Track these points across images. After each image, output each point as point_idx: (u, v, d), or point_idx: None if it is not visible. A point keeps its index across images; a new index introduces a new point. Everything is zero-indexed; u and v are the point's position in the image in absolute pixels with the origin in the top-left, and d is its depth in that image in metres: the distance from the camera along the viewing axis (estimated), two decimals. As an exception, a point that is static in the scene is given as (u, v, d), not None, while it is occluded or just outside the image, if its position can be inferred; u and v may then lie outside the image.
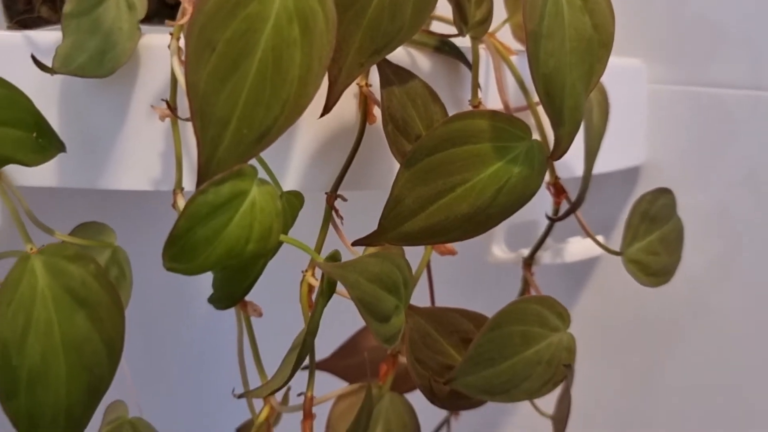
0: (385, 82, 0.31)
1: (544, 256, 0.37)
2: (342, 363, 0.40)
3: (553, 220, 0.35)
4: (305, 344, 0.28)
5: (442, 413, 0.44)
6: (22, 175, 0.32)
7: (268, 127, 0.26)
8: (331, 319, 0.40)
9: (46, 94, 0.31)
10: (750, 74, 0.47)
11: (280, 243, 0.31)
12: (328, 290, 0.29)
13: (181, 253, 0.24)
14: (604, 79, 0.38)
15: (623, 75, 0.46)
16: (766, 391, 0.49)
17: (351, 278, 0.27)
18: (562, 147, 0.30)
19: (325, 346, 0.42)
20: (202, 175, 0.25)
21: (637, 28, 0.49)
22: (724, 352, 0.52)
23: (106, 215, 0.35)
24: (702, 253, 0.51)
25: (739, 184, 0.49)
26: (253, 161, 0.29)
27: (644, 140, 0.48)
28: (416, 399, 0.38)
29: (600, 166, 0.43)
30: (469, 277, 0.45)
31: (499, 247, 0.40)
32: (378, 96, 0.31)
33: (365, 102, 0.33)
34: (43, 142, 0.29)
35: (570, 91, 0.29)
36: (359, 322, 0.40)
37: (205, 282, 0.32)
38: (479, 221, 0.30)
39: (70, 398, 0.24)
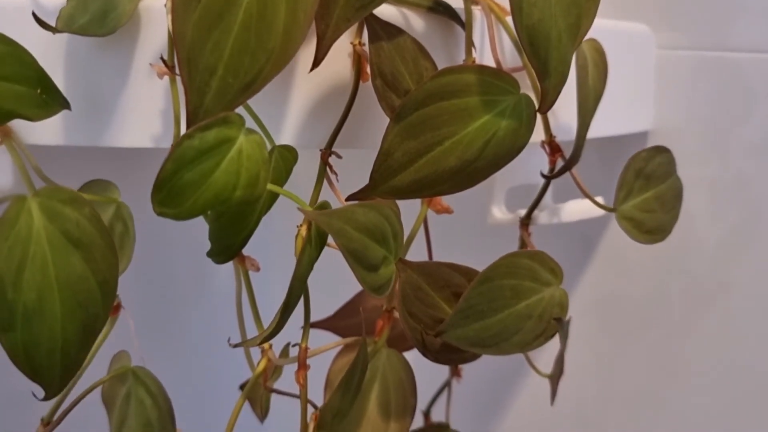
0: (373, 38, 0.31)
1: (541, 216, 0.38)
2: (342, 323, 0.40)
3: (547, 177, 0.35)
4: (292, 289, 0.29)
5: (444, 376, 0.45)
6: (30, 134, 0.34)
7: (253, 76, 0.26)
8: (335, 286, 0.41)
9: (51, 55, 0.33)
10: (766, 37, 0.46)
11: (275, 197, 0.32)
12: (316, 238, 0.29)
13: (169, 196, 0.25)
14: (609, 44, 0.38)
15: (629, 40, 0.46)
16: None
17: (336, 226, 0.28)
18: (548, 99, 0.30)
19: (330, 311, 0.43)
20: (190, 123, 0.26)
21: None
22: (743, 327, 0.51)
23: (111, 175, 0.36)
24: (719, 224, 0.50)
25: (757, 153, 0.48)
26: (246, 115, 0.30)
27: (652, 106, 0.47)
28: (418, 362, 0.39)
29: (605, 130, 0.43)
30: (468, 239, 0.45)
31: (499, 208, 0.40)
32: (371, 54, 0.32)
33: (359, 61, 0.33)
34: (47, 98, 0.30)
35: (556, 43, 0.29)
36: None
37: (206, 237, 0.33)
38: (468, 174, 0.31)
39: (65, 335, 0.26)
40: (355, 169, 0.35)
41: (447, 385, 0.44)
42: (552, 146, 0.35)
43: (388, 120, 0.32)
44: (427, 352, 0.33)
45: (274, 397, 0.39)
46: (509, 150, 0.31)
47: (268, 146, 0.31)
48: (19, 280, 0.24)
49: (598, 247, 0.54)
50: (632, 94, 0.45)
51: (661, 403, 0.55)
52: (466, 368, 0.47)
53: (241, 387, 0.40)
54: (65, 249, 0.25)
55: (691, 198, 0.52)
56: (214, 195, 0.26)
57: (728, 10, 0.47)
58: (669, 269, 0.52)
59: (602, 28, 0.36)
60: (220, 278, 0.46)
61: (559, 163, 0.36)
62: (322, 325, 0.41)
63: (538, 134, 0.36)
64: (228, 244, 0.32)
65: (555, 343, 0.38)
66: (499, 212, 0.40)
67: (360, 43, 0.33)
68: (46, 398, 0.27)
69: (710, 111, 0.49)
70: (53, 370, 0.26)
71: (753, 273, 0.50)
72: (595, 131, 0.38)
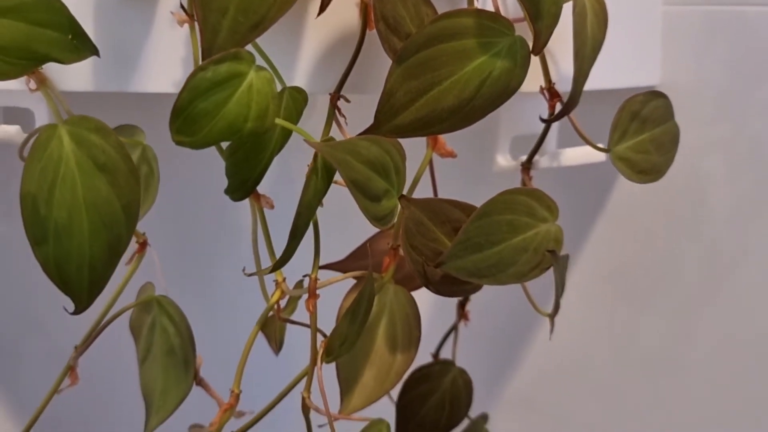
0: (377, -16, 0.33)
1: (542, 161, 0.39)
2: (353, 264, 0.43)
3: (546, 121, 0.37)
4: (299, 216, 0.31)
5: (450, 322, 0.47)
6: (62, 82, 0.36)
7: (261, 16, 0.29)
8: (347, 235, 0.43)
9: (80, 6, 0.35)
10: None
11: (287, 136, 0.34)
12: (323, 170, 0.32)
13: (185, 124, 0.28)
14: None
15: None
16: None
17: (340, 156, 0.30)
18: (541, 40, 0.32)
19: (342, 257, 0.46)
20: (205, 59, 0.29)
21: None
22: (762, 294, 0.52)
23: (136, 121, 0.39)
24: (733, 188, 0.51)
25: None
26: (260, 61, 0.33)
27: (659, 61, 0.48)
28: (427, 309, 0.41)
29: (609, 82, 0.45)
30: (473, 186, 0.47)
31: (503, 156, 0.42)
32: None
33: (365, 10, 0.35)
34: (78, 43, 0.33)
35: None
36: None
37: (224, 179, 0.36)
38: (466, 113, 0.33)
39: (92, 252, 0.28)
40: (364, 117, 0.37)
41: (454, 327, 0.46)
42: (551, 92, 0.37)
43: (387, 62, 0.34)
44: (429, 284, 0.35)
45: (288, 334, 0.42)
46: (504, 89, 0.32)
47: (279, 87, 0.33)
48: (51, 199, 0.27)
49: (613, 214, 0.55)
50: (637, 47, 0.46)
51: (678, 368, 0.56)
52: (478, 322, 0.49)
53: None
54: (92, 172, 0.28)
55: (703, 161, 0.53)
56: (227, 125, 0.29)
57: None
58: (684, 235, 0.53)
59: None
60: (238, 216, 0.49)
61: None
62: (334, 266, 0.43)
63: (538, 80, 0.38)
64: (243, 180, 0.34)
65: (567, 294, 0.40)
66: (504, 160, 0.42)
67: (366, -8, 0.35)
68: (75, 312, 0.30)
69: (724, 69, 0.50)
70: (82, 284, 0.29)
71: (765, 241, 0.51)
72: (598, 83, 0.39)
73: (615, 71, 0.44)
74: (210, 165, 0.38)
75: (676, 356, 0.55)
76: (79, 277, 0.28)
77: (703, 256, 0.52)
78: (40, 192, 0.27)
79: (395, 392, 0.45)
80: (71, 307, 0.30)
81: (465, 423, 0.44)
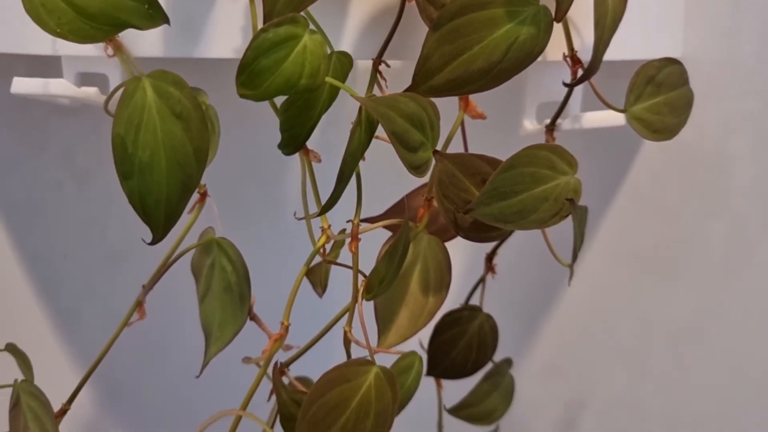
0: (416, -40, 0.37)
1: (564, 123, 0.43)
2: (392, 217, 0.47)
3: (569, 86, 0.41)
4: (345, 163, 0.35)
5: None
6: (136, 48, 0.41)
7: (316, -15, 0.33)
8: (387, 194, 0.47)
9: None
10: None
11: (335, 94, 0.38)
12: (366, 123, 0.36)
13: (249, 79, 0.32)
14: None
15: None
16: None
17: (382, 110, 0.34)
18: (562, 8, 0.35)
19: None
20: (266, 23, 0.33)
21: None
22: None
23: (200, 84, 0.43)
24: (760, 165, 0.53)
25: None
26: (311, 25, 0.37)
27: (682, 33, 0.51)
28: (457, 264, 0.45)
29: (631, 53, 0.48)
30: (502, 148, 0.51)
31: (529, 121, 0.46)
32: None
33: (405, -17, 0.39)
34: (153, 12, 0.37)
35: None
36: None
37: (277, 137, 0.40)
38: (494, 75, 0.37)
39: (168, 188, 0.33)
40: (402, 84, 0.41)
41: (482, 279, 0.50)
42: (573, 59, 0.41)
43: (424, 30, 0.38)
44: (459, 230, 0.40)
45: (331, 280, 0.46)
46: (529, 53, 0.36)
47: (328, 51, 0.37)
48: (137, 140, 0.32)
49: (638, 190, 0.58)
50: (660, 20, 0.50)
51: (703, 340, 0.58)
52: (506, 284, 0.52)
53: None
54: (170, 119, 0.32)
55: (729, 137, 0.55)
56: (285, 81, 0.33)
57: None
58: (710, 211, 0.56)
59: None
60: (288, 170, 0.53)
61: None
62: (374, 219, 0.47)
63: (562, 48, 0.41)
64: (295, 136, 0.39)
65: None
66: (530, 124, 0.45)
67: (406, -33, 0.39)
68: (153, 242, 0.35)
69: (751, 43, 0.51)
70: (159, 216, 0.33)
71: None
72: (620, 53, 0.43)
73: (636, 42, 0.47)
74: (264, 124, 0.43)
75: (701, 328, 0.57)
76: (157, 210, 0.33)
77: (728, 231, 0.55)
78: (127, 134, 0.31)
79: (425, 338, 0.49)
80: (149, 238, 0.35)
81: (490, 366, 0.48)
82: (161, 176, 0.32)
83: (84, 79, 0.45)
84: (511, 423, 0.58)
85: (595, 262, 0.62)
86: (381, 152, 0.40)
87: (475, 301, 0.50)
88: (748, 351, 0.55)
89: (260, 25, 0.39)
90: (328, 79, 0.35)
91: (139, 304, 0.42)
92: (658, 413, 0.60)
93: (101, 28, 0.35)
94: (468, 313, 0.47)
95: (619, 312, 0.61)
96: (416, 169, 0.36)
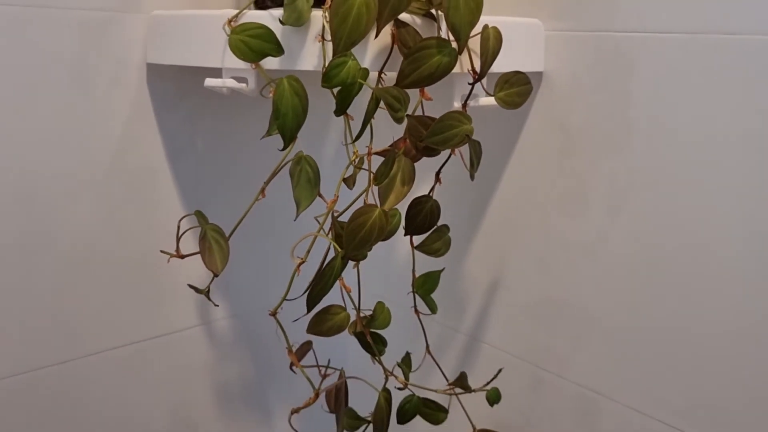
0: (399, 25, 0.82)
1: (471, 103, 0.88)
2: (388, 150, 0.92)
3: (471, 84, 0.86)
4: (365, 118, 0.80)
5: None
6: (265, 65, 0.86)
7: (358, 35, 0.78)
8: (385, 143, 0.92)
9: (277, 32, 0.85)
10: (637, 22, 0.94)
11: (361, 86, 0.83)
12: (375, 99, 0.81)
13: (326, 79, 0.77)
14: (509, 29, 0.88)
15: (526, 27, 0.96)
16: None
17: (382, 93, 0.80)
18: (461, 47, 0.80)
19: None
20: (334, 55, 0.78)
21: None
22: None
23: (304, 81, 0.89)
24: (587, 131, 0.99)
25: (627, 107, 0.97)
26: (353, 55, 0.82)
27: (542, 59, 0.97)
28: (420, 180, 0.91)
29: (506, 68, 0.93)
30: (440, 113, 0.96)
31: (456, 102, 0.91)
32: None
33: (393, 37, 0.84)
34: (277, 48, 0.83)
35: (464, 27, 0.79)
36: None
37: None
38: (433, 79, 0.82)
39: (291, 124, 0.78)
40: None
41: (434, 185, 0.95)
42: (473, 71, 0.86)
43: (402, 58, 0.83)
44: (418, 152, 0.84)
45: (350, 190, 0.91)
46: (448, 68, 0.81)
47: (359, 66, 0.82)
48: (280, 104, 0.77)
49: (525, 143, 1.04)
50: (528, 51, 0.95)
51: (598, 257, 1.03)
52: (447, 185, 0.98)
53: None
54: (293, 95, 0.78)
55: (568, 116, 1.00)
56: (341, 80, 0.78)
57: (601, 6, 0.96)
58: (566, 163, 1.02)
59: (508, 22, 0.86)
60: (334, 124, 1.00)
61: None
62: (379, 152, 0.92)
63: (467, 66, 0.86)
64: (343, 106, 0.84)
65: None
66: (456, 103, 0.91)
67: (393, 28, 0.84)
68: (283, 148, 0.80)
69: (583, 65, 0.97)
70: (287, 136, 0.79)
71: (631, 224, 0.98)
72: (500, 68, 0.88)
73: (513, 62, 0.92)
74: (317, 107, 0.88)
75: (593, 244, 1.02)
76: (287, 133, 0.78)
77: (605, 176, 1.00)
78: (278, 101, 0.76)
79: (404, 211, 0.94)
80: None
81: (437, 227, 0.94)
82: (288, 119, 0.78)
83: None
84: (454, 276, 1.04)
85: (507, 191, 1.07)
86: (382, 114, 0.85)
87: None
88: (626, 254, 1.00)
89: (330, 56, 0.84)
90: (359, 80, 0.80)
91: (262, 190, 0.87)
92: (563, 302, 1.05)
93: (257, 55, 0.81)
94: (425, 198, 0.92)
95: (527, 228, 1.06)
96: (397, 121, 0.82)
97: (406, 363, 0.99)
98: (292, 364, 0.95)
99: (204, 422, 1.21)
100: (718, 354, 0.87)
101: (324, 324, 0.88)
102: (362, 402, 1.00)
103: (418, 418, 1.02)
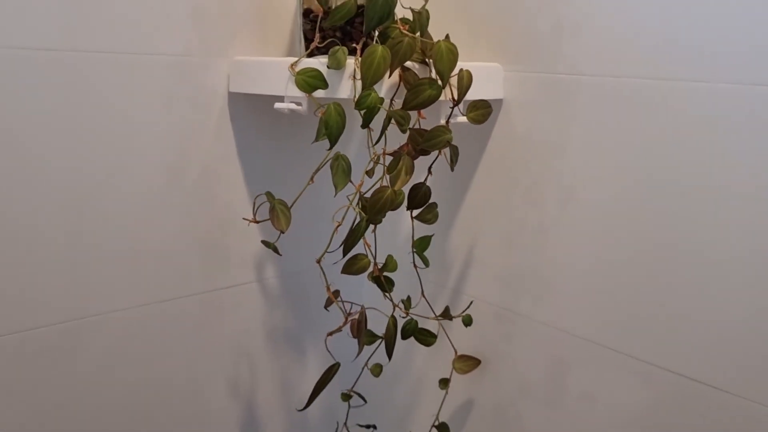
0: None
1: (452, 120, 1.31)
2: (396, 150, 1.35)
3: (451, 108, 1.30)
4: (383, 127, 1.24)
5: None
6: (315, 94, 1.30)
7: (379, 76, 1.22)
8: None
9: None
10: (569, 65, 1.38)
11: (379, 108, 1.27)
12: (388, 117, 1.25)
13: (358, 103, 1.21)
14: (480, 71, 1.31)
15: (488, 70, 1.40)
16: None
17: (393, 114, 1.23)
18: (444, 83, 1.24)
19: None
20: (364, 89, 1.22)
21: (500, 43, 1.42)
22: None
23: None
24: (534, 141, 1.42)
25: (568, 125, 1.40)
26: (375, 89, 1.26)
27: (502, 90, 1.41)
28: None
29: (479, 95, 1.36)
30: (431, 126, 1.39)
31: (443, 119, 1.34)
32: None
33: (401, 79, 1.28)
34: (323, 84, 1.27)
35: (446, 71, 1.23)
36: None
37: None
38: (425, 104, 1.25)
39: (335, 132, 1.22)
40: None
41: (426, 176, 1.38)
42: (453, 99, 1.30)
43: (406, 91, 1.27)
44: (416, 153, 1.28)
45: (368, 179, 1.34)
46: (435, 98, 1.25)
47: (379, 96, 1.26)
48: (329, 118, 1.21)
49: (492, 150, 1.49)
50: (492, 85, 1.39)
51: (550, 235, 1.47)
52: (438, 177, 1.42)
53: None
54: (336, 114, 1.21)
55: (531, 132, 1.44)
56: (367, 105, 1.22)
57: (548, 51, 1.40)
58: (529, 168, 1.46)
59: (477, 66, 1.30)
60: (351, 142, 1.45)
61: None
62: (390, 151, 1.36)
63: (449, 95, 1.30)
64: (367, 121, 1.27)
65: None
66: (442, 120, 1.34)
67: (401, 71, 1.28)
68: (330, 148, 1.23)
69: (534, 92, 1.40)
70: (332, 139, 1.22)
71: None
72: (472, 96, 1.32)
73: (480, 92, 1.36)
74: (356, 125, 1.31)
75: (548, 227, 1.46)
76: (332, 137, 1.22)
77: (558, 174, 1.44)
78: (328, 117, 1.20)
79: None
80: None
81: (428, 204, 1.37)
82: (334, 130, 1.22)
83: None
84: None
85: (480, 182, 1.51)
86: (393, 127, 1.28)
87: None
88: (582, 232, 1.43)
89: (359, 90, 1.28)
90: (378, 105, 1.24)
91: (311, 179, 1.31)
92: (524, 268, 1.48)
93: (312, 88, 1.25)
94: (421, 184, 1.36)
95: (496, 211, 1.49)
96: (402, 132, 1.25)
97: (406, 303, 1.43)
98: (326, 303, 1.38)
99: (257, 353, 1.64)
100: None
101: (353, 266, 1.31)
102: (375, 329, 1.43)
103: (416, 346, 1.46)
